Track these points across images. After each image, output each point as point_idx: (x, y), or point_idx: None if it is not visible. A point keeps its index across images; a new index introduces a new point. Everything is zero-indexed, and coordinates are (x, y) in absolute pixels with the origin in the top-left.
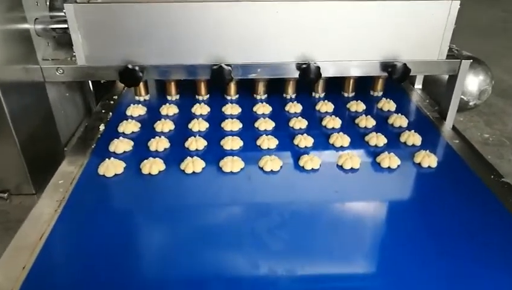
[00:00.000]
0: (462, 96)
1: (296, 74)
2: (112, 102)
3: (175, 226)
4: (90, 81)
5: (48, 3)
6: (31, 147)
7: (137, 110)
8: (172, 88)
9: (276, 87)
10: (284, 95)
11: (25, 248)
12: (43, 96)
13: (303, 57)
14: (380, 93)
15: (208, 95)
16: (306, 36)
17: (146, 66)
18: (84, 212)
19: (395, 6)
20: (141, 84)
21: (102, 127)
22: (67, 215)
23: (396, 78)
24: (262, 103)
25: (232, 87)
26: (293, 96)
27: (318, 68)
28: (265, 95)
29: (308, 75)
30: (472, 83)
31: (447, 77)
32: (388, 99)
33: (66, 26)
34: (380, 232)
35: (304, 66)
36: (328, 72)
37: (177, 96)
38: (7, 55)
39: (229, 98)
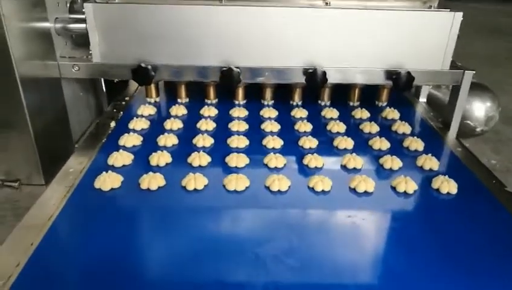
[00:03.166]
0: (469, 122)
1: (302, 79)
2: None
3: (173, 248)
4: (103, 85)
5: (68, 5)
6: (45, 140)
7: (140, 123)
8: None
9: (284, 108)
10: (293, 114)
11: (34, 227)
12: (58, 92)
13: (310, 62)
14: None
15: (216, 112)
16: (313, 42)
17: (158, 65)
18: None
19: (400, 16)
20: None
21: (113, 124)
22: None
23: (401, 86)
24: (271, 121)
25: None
26: (304, 116)
27: (324, 73)
28: (275, 114)
29: (314, 80)
30: (479, 109)
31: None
32: (403, 122)
33: (83, 26)
34: (396, 259)
35: (311, 70)
36: (333, 78)
37: (184, 112)
38: (28, 51)
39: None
